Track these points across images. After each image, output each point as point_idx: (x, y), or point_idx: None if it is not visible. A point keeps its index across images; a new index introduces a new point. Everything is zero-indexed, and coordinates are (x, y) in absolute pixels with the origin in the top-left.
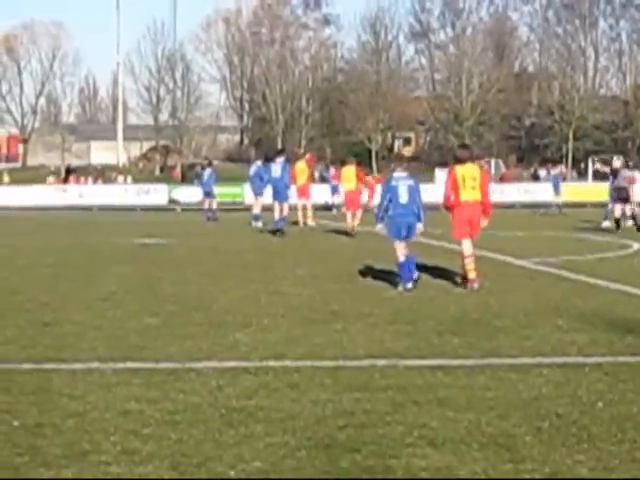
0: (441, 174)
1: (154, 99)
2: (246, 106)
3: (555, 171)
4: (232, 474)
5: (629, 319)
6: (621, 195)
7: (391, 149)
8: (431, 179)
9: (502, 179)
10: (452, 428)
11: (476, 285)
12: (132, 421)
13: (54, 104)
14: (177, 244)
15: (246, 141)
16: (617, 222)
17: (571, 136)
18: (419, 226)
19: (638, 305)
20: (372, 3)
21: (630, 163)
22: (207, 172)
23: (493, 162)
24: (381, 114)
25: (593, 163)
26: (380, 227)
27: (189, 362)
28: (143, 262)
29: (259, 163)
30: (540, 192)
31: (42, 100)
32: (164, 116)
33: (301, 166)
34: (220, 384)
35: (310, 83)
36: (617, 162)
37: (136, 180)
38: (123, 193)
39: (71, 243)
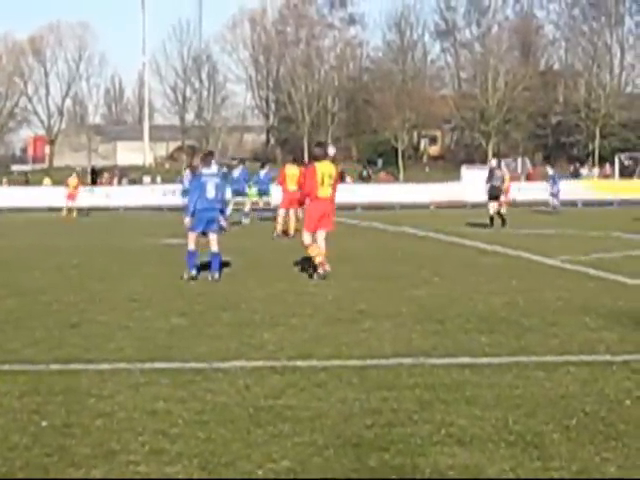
0: (468, 173)
1: (180, 99)
2: (272, 106)
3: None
4: (260, 473)
5: None
6: (494, 193)
7: (417, 148)
8: (457, 177)
9: (529, 177)
10: (479, 426)
11: (327, 267)
12: (160, 421)
13: (80, 105)
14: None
15: (272, 141)
16: (491, 219)
17: (597, 134)
18: (222, 220)
19: None
20: (397, 2)
21: (502, 162)
22: (239, 170)
23: (520, 160)
24: (407, 113)
25: (620, 161)
26: (187, 220)
27: (217, 362)
28: (170, 262)
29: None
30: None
31: (68, 101)
32: (190, 116)
33: (293, 171)
34: (248, 383)
35: (336, 82)
36: (493, 162)
37: (163, 180)
38: (150, 193)
39: (98, 244)
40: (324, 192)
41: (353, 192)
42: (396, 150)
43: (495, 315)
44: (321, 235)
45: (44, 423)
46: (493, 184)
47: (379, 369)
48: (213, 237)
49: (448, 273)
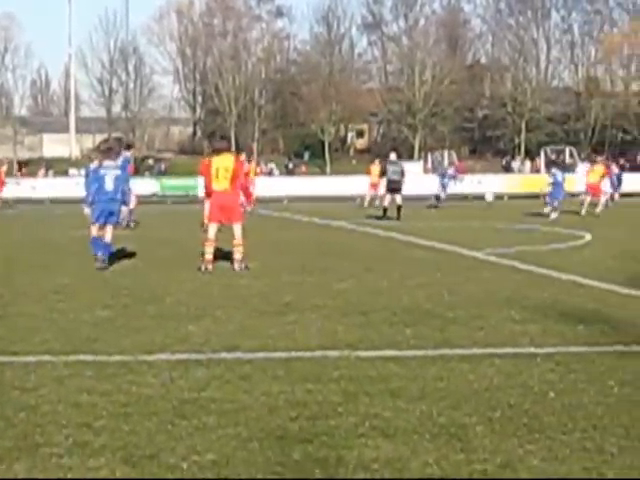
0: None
1: (106, 91)
2: (199, 98)
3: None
4: (184, 466)
5: (580, 309)
6: (392, 186)
7: (344, 141)
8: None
9: (455, 170)
10: (404, 419)
11: (210, 267)
12: (84, 414)
13: (6, 97)
14: (131, 236)
15: (199, 133)
16: (385, 210)
17: (524, 127)
18: (124, 209)
19: (589, 296)
20: None
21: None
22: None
23: (446, 153)
24: (334, 106)
25: (546, 154)
26: (87, 211)
27: (141, 354)
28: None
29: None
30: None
31: None
32: (117, 108)
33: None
34: (172, 376)
35: (263, 75)
36: (392, 155)
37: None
38: (75, 186)
39: (23, 236)
40: (220, 185)
41: (279, 185)
42: (323, 143)
43: (420, 308)
44: (235, 228)
45: None
46: (390, 178)
47: (304, 362)
48: (109, 229)
49: (374, 266)
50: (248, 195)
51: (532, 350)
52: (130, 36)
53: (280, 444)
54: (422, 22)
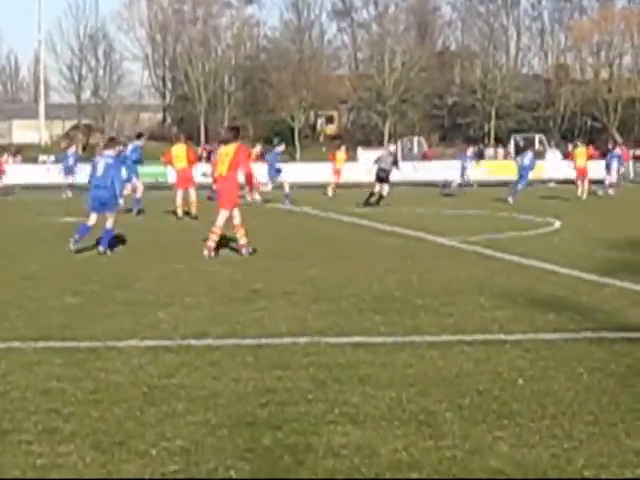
0: (364, 153)
1: (76, 77)
2: (168, 85)
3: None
4: (154, 452)
5: (550, 296)
6: (382, 176)
7: (314, 128)
8: (354, 157)
9: (424, 157)
10: (373, 405)
11: (209, 253)
12: (53, 400)
13: None
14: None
15: (169, 120)
16: (371, 195)
17: (493, 115)
18: (120, 202)
19: (559, 283)
20: None
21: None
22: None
23: (416, 140)
24: (304, 93)
25: (515, 141)
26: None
27: (111, 341)
28: (65, 241)
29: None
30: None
31: None
32: (86, 95)
33: (179, 151)
34: (142, 363)
35: (233, 62)
36: (392, 147)
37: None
38: (45, 172)
39: None
40: (218, 170)
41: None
42: (293, 130)
43: (390, 295)
44: (220, 213)
45: None
46: (380, 167)
47: (274, 348)
48: (109, 214)
49: (344, 253)
50: (251, 181)
51: (501, 337)
52: (100, 22)
53: (249, 430)
54: (392, 9)
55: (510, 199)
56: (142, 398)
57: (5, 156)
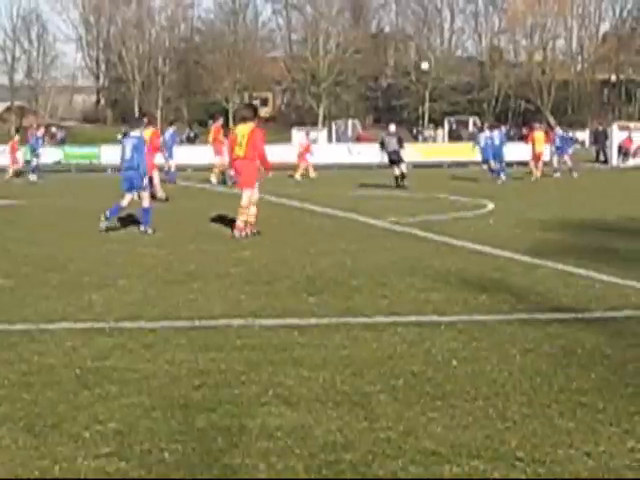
0: (298, 134)
1: (9, 59)
2: (102, 66)
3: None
4: (87, 435)
5: (483, 278)
6: (393, 158)
7: None
8: (288, 139)
9: (358, 139)
10: (307, 387)
11: (240, 233)
12: None
13: None
14: (32, 205)
15: (102, 102)
16: (397, 179)
17: (427, 97)
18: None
19: (492, 264)
20: None
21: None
22: (168, 133)
23: (350, 122)
24: (238, 74)
25: (449, 123)
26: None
27: (43, 323)
28: None
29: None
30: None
31: None
32: (19, 76)
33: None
34: (75, 345)
35: (167, 43)
36: (392, 127)
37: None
38: None
39: None
40: (236, 152)
41: (182, 153)
42: (227, 112)
43: (323, 276)
44: (243, 193)
45: None
46: (389, 149)
47: (207, 330)
48: (143, 194)
49: (278, 234)
50: (266, 163)
51: (435, 318)
52: (33, 3)
53: (183, 413)
54: None
55: (502, 176)
56: (75, 381)
57: None
